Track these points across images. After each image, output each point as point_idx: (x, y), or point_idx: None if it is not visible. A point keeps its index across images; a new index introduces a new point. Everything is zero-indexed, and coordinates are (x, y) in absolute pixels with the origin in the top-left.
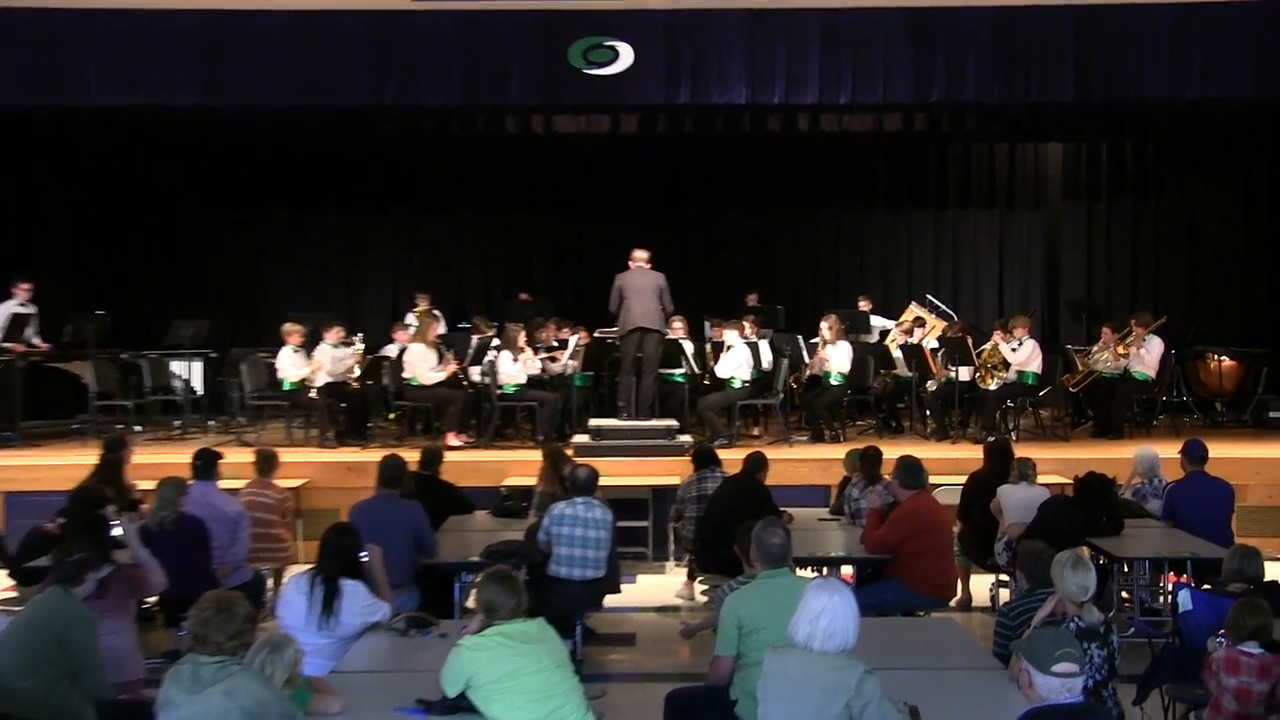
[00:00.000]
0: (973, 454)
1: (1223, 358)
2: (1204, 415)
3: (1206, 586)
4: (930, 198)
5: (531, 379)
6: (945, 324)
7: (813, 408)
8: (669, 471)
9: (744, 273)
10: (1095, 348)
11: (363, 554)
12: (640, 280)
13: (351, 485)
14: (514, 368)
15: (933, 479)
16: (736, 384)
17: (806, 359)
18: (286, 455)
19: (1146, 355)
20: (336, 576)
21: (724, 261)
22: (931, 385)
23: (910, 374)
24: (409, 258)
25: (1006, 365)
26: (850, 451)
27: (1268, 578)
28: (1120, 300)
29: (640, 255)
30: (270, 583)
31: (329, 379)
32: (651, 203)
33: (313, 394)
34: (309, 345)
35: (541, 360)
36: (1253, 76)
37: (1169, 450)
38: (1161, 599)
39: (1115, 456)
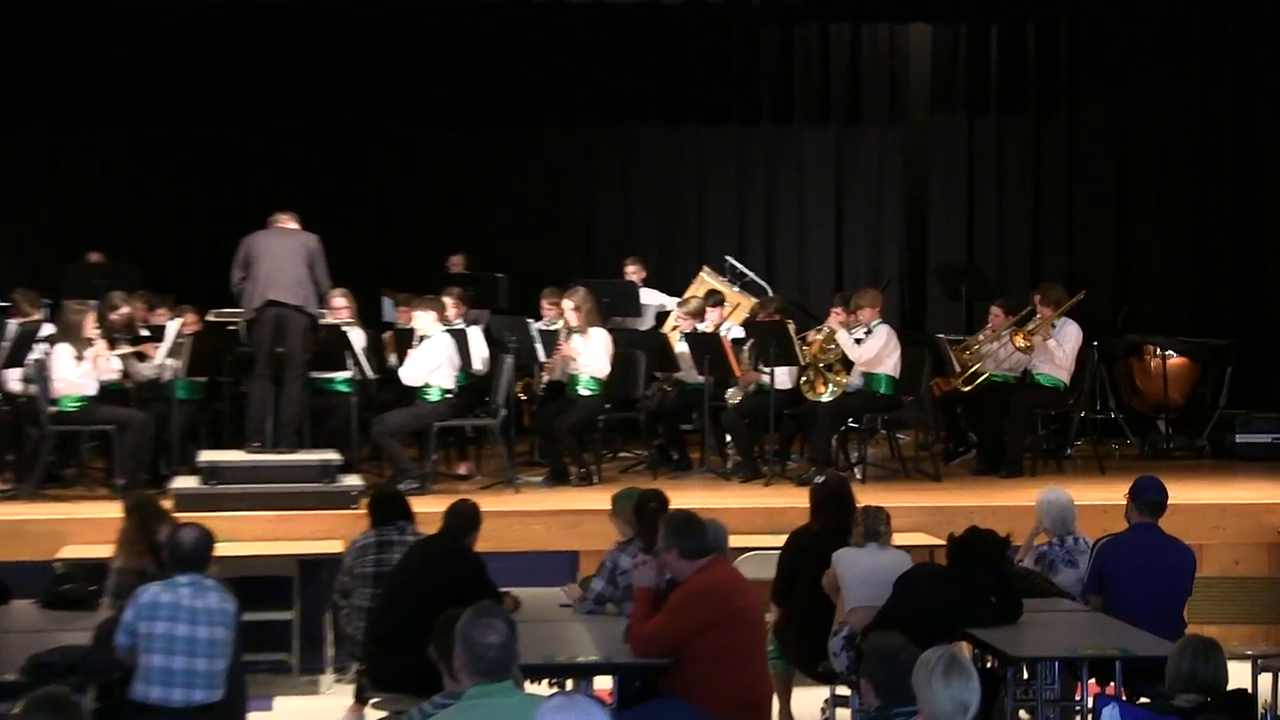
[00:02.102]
0: (795, 501)
1: (1168, 353)
2: (1141, 439)
3: (1144, 700)
4: (732, 107)
5: (106, 388)
6: (754, 302)
7: (552, 431)
8: (327, 532)
9: (444, 224)
10: (980, 337)
11: None
12: (279, 242)
13: None
14: (77, 371)
15: (735, 541)
16: (434, 395)
17: (542, 356)
18: None
19: (1057, 350)
20: None
21: (413, 206)
22: (734, 395)
23: (701, 378)
24: None
25: (848, 365)
26: (621, 495)
27: (1233, 684)
28: (1017, 267)
29: (285, 217)
30: None
31: None
32: (289, 110)
33: None
34: None
35: (123, 359)
36: None
37: (1091, 493)
38: None
39: (1010, 503)
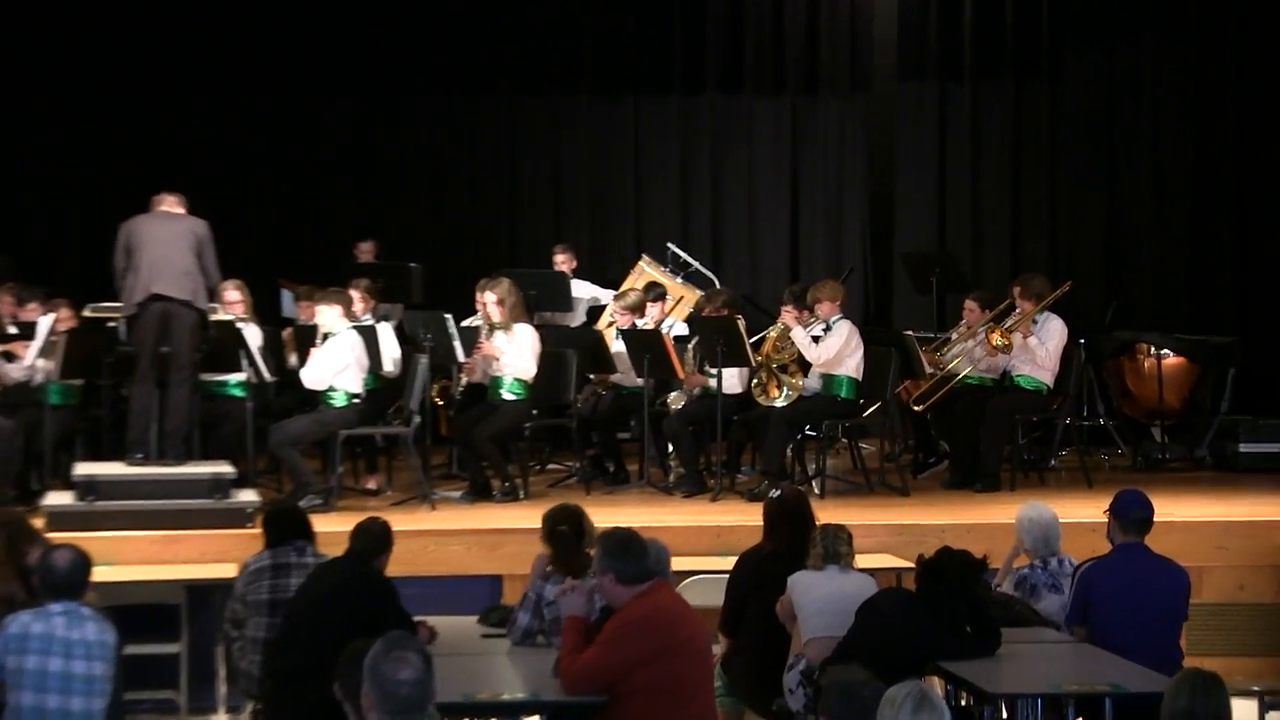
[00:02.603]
0: (746, 518)
1: (1163, 352)
2: (1133, 449)
3: None
4: (673, 76)
5: None
6: (699, 295)
7: (472, 440)
8: (218, 555)
9: (350, 207)
10: (954, 335)
11: None
12: (164, 228)
13: None
14: None
15: (679, 564)
16: (339, 400)
17: (461, 356)
18: None
19: (1039, 348)
20: None
21: (314, 187)
22: (677, 400)
23: (640, 381)
24: None
25: (805, 365)
26: (549, 514)
27: None
28: (994, 255)
29: (171, 200)
30: None
31: None
32: (171, 82)
33: None
34: None
35: None
36: None
37: (1077, 509)
38: None
39: (986, 521)
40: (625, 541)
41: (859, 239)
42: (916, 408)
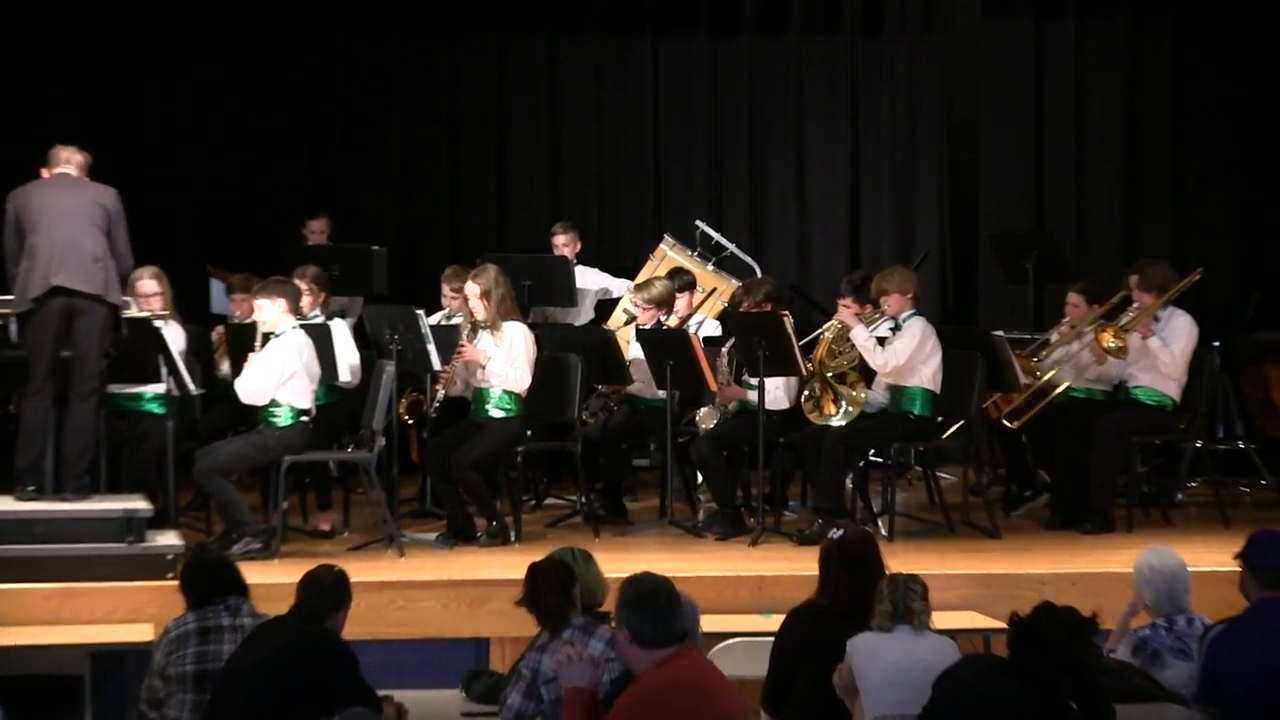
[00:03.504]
0: (795, 566)
1: None
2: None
3: None
4: (702, 9)
5: None
6: (736, 286)
7: (451, 468)
8: (131, 613)
9: (296, 175)
10: (1055, 336)
11: None
12: (64, 200)
13: None
14: None
15: (710, 623)
16: (283, 418)
17: (436, 362)
18: None
19: (1162, 353)
20: None
21: (251, 150)
22: (708, 418)
23: (662, 394)
24: None
25: (868, 374)
26: (533, 569)
27: None
28: (1104, 236)
29: (66, 156)
30: None
31: None
32: (72, 18)
33: None
34: None
35: None
36: None
37: (1210, 555)
38: None
39: (1096, 570)
40: (651, 592)
41: (935, 216)
42: (1009, 424)
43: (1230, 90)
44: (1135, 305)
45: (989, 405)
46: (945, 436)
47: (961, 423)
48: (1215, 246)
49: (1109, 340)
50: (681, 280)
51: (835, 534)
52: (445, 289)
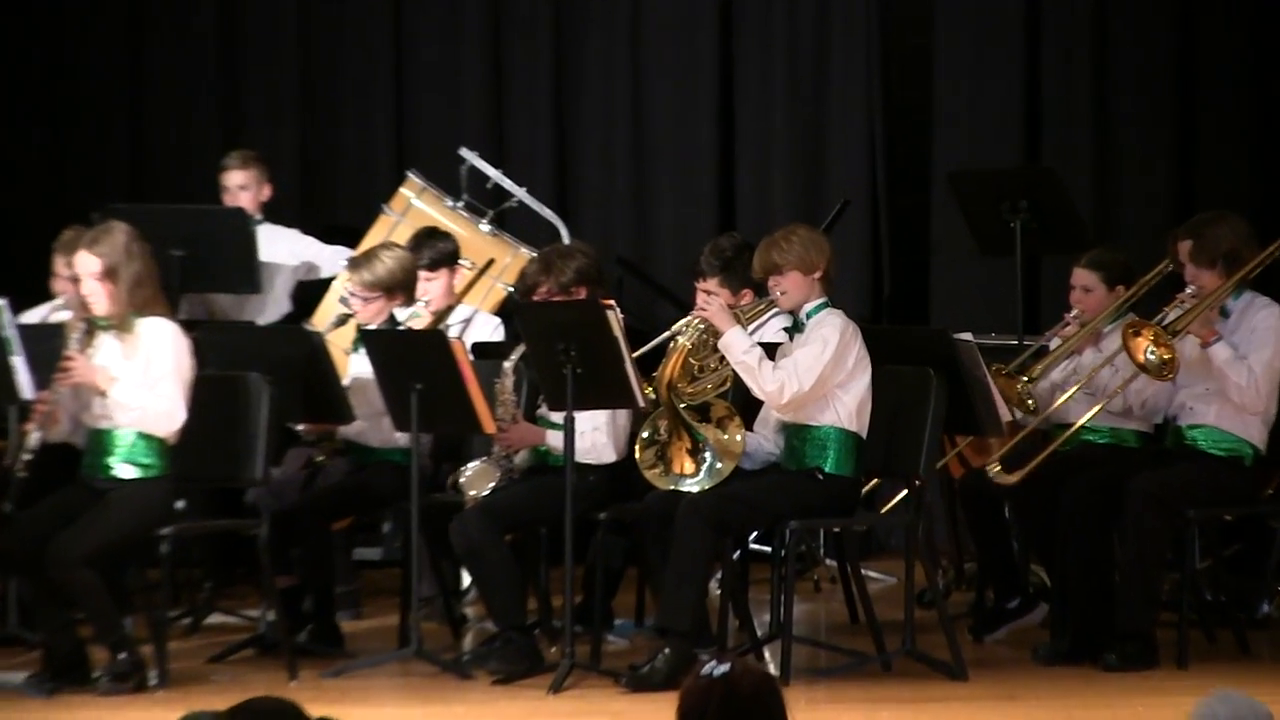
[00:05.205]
0: None
1: None
2: None
3: None
4: None
5: None
6: (527, 257)
7: (51, 563)
8: None
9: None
10: (1055, 342)
11: None
12: None
13: None
14: None
15: None
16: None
17: (27, 388)
18: None
19: (1235, 368)
20: None
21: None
22: (480, 479)
23: (400, 439)
24: None
25: (750, 406)
26: None
27: None
28: (1133, 180)
29: None
30: None
31: None
32: None
33: None
34: None
35: None
36: None
37: None
38: None
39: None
40: None
41: (859, 148)
42: (1006, 479)
43: None
44: (1190, 290)
45: (950, 458)
46: (884, 511)
47: (907, 489)
48: None
49: (1146, 348)
50: (435, 250)
51: (712, 670)
52: (58, 263)
